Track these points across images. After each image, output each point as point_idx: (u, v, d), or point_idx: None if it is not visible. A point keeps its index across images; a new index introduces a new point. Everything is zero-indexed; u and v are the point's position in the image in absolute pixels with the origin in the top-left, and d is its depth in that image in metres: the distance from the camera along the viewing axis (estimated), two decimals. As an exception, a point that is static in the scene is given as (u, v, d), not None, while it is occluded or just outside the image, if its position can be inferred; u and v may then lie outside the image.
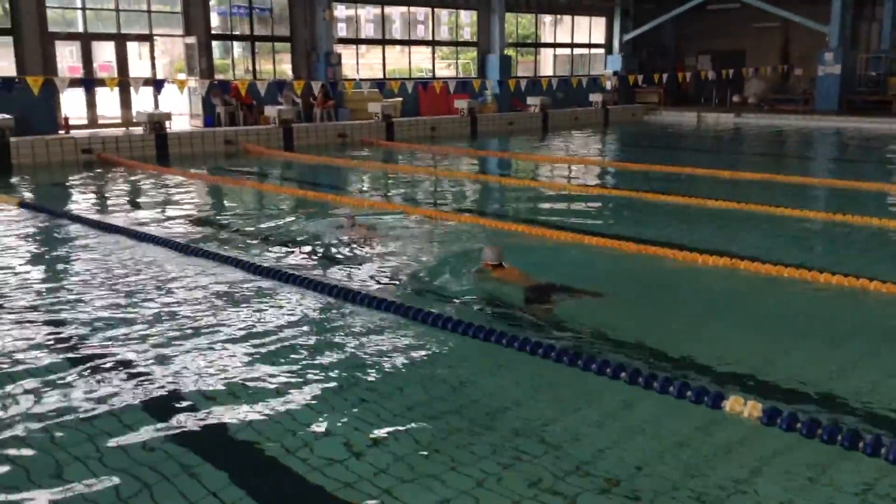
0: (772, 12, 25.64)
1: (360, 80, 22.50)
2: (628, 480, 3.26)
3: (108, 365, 4.50)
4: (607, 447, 3.56)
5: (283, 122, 17.74)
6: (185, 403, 4.00)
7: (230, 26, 21.07)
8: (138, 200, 11.15)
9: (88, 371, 4.41)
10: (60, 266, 7.12)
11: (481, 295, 5.91)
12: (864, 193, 11.03)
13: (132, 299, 5.81)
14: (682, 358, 4.62)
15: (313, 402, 4.04)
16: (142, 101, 18.94)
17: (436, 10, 25.41)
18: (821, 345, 4.99)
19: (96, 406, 3.95)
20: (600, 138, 21.42)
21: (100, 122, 18.84)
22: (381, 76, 23.72)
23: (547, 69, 29.53)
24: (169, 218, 9.45)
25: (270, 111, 18.19)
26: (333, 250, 7.51)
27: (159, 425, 3.74)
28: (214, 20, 20.57)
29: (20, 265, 7.07)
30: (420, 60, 25.80)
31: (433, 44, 25.87)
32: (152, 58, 19.71)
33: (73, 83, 17.33)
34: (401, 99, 22.10)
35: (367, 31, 24.20)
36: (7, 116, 14.48)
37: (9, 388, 4.18)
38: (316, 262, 7.04)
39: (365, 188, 12.34)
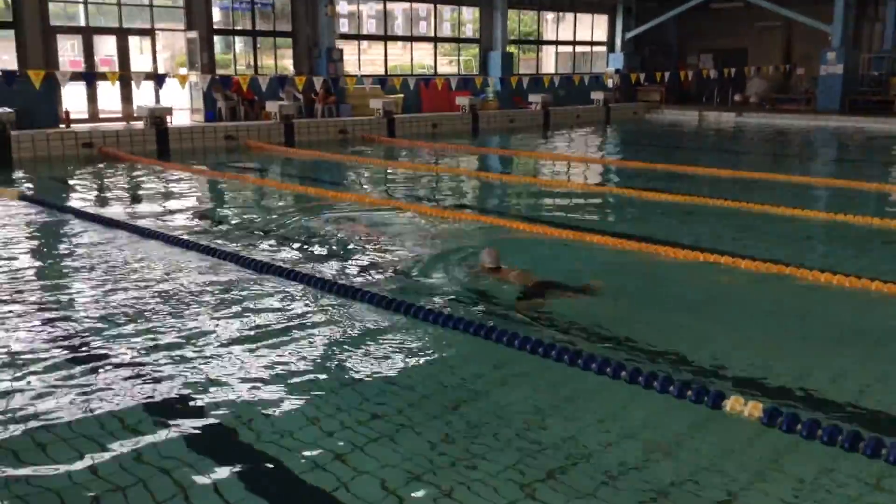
0: (774, 11, 25.61)
1: (362, 76, 22.47)
2: (627, 480, 3.26)
3: (105, 360, 4.50)
4: (606, 447, 3.55)
5: (284, 118, 17.72)
6: (182, 401, 4.00)
7: (232, 21, 21.05)
8: (138, 195, 11.14)
9: (85, 365, 4.40)
10: (59, 260, 7.12)
11: (478, 293, 5.90)
12: (865, 193, 11.02)
13: (131, 294, 5.80)
14: (680, 357, 4.61)
15: (312, 400, 4.04)
16: (143, 95, 18.92)
17: (438, 6, 25.38)
18: (821, 344, 4.99)
19: (92, 402, 3.95)
20: (601, 136, 21.41)
21: (101, 116, 18.82)
22: (382, 72, 23.70)
23: (549, 67, 29.51)
24: (169, 213, 9.44)
25: (272, 106, 18.17)
26: (331, 247, 7.50)
27: (156, 421, 3.74)
28: (216, 15, 20.55)
29: (20, 258, 7.07)
30: (422, 57, 25.78)
31: (435, 40, 25.84)
32: (154, 52, 19.69)
33: (75, 77, 17.31)
34: (402, 95, 22.08)
35: (369, 26, 24.16)
36: (8, 110, 14.47)
37: (3, 381, 4.17)
38: (313, 259, 7.03)
39: (365, 185, 12.32)
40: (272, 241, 7.74)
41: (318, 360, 4.55)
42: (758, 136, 20.90)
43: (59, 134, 15.18)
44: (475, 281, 6.19)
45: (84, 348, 4.70)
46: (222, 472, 3.30)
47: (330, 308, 5.51)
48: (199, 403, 3.95)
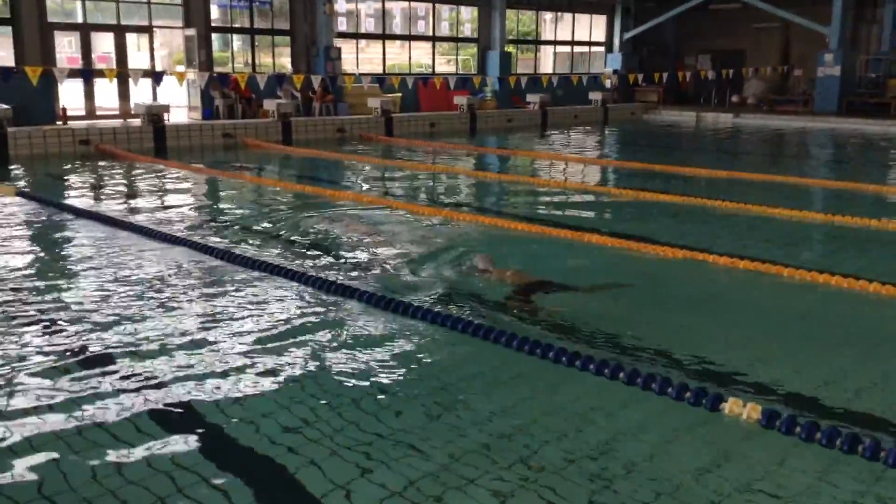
0: (772, 13, 25.63)
1: (360, 74, 22.46)
2: (626, 481, 3.25)
3: (103, 361, 4.48)
4: (605, 447, 3.54)
5: (281, 116, 17.69)
6: (179, 400, 3.98)
7: (230, 19, 21.03)
8: (135, 192, 11.11)
9: (81, 364, 4.38)
10: (55, 257, 7.09)
11: (474, 294, 5.88)
12: (862, 195, 11.03)
13: (127, 292, 5.78)
14: (678, 358, 4.60)
15: (310, 399, 4.03)
16: (140, 92, 18.89)
17: (436, 5, 25.37)
18: (821, 345, 4.98)
19: (89, 402, 3.93)
20: (599, 136, 21.41)
21: (98, 113, 18.79)
22: (380, 71, 23.68)
23: (547, 67, 29.52)
24: (165, 210, 9.42)
25: (269, 105, 18.14)
26: (328, 245, 7.49)
27: (155, 423, 3.73)
28: (214, 12, 20.54)
29: (16, 255, 7.04)
30: (420, 56, 25.77)
31: (433, 39, 25.83)
32: (151, 49, 19.65)
33: (72, 74, 17.28)
34: (400, 94, 22.06)
35: (367, 25, 24.15)
36: (5, 106, 14.43)
37: None
38: (310, 257, 7.01)
39: (363, 183, 12.31)
40: (269, 240, 7.72)
41: (318, 362, 4.53)
42: (755, 138, 20.92)
43: (55, 131, 15.14)
44: (470, 281, 6.19)
45: (79, 346, 4.67)
46: (218, 473, 3.29)
47: (328, 308, 5.49)
48: (195, 401, 3.94)
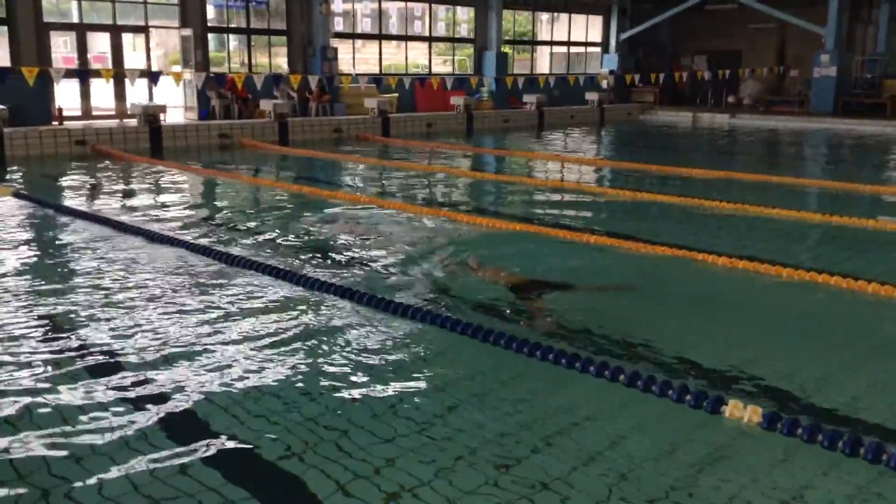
0: (768, 13, 25.68)
1: (357, 74, 22.44)
2: (626, 482, 3.24)
3: (99, 362, 4.46)
4: (605, 449, 3.53)
5: (278, 117, 17.67)
6: (179, 400, 3.97)
7: (226, 19, 20.99)
8: (131, 193, 11.08)
9: (79, 364, 4.36)
10: (52, 258, 7.05)
11: (470, 294, 5.87)
12: (859, 195, 11.05)
13: (123, 293, 5.76)
14: (678, 358, 4.59)
15: (308, 395, 4.02)
16: (136, 93, 18.85)
17: (433, 5, 25.36)
18: (820, 346, 4.98)
19: (86, 404, 3.91)
20: (595, 137, 21.42)
21: (94, 113, 18.74)
22: (377, 71, 23.66)
23: (543, 67, 29.53)
24: (162, 211, 9.38)
25: (266, 105, 18.11)
26: (323, 245, 7.47)
27: (156, 422, 3.71)
28: (210, 12, 20.48)
29: (12, 256, 7.01)
30: (416, 56, 25.75)
31: (430, 40, 25.82)
32: (147, 49, 19.60)
33: (68, 74, 17.23)
34: (397, 94, 22.05)
35: (364, 25, 24.13)
36: (1, 107, 14.39)
37: None
38: (305, 258, 6.99)
39: (359, 184, 12.29)
40: (266, 241, 7.69)
41: (315, 363, 4.52)
42: (752, 138, 20.95)
43: (52, 131, 15.10)
44: (463, 281, 6.18)
45: (75, 347, 4.65)
46: (213, 473, 3.27)
47: (325, 309, 5.47)
48: (193, 400, 3.92)
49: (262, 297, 5.70)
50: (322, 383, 4.22)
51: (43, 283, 6.09)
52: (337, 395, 4.08)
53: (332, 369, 4.41)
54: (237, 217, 9.18)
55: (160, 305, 5.48)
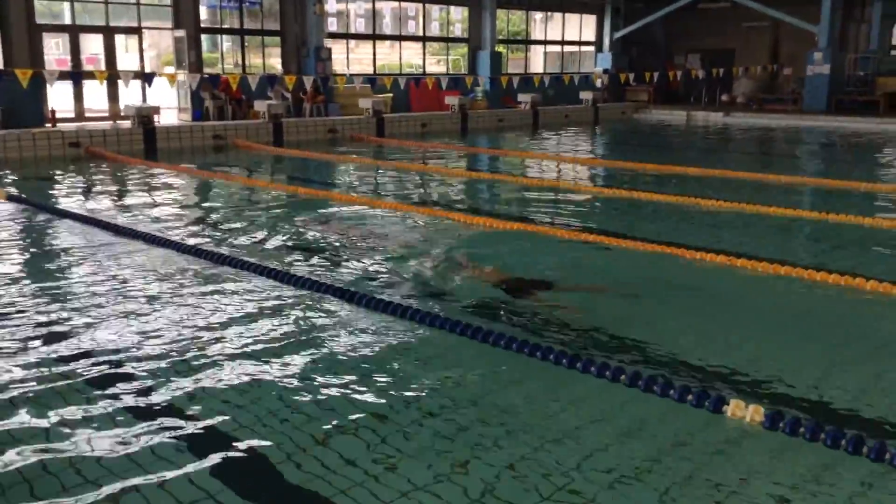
0: (762, 12, 25.73)
1: (351, 75, 22.41)
2: (628, 482, 3.23)
3: (98, 364, 4.43)
4: (606, 449, 3.52)
5: (272, 117, 17.63)
6: (174, 400, 3.94)
7: (220, 19, 20.93)
8: (125, 195, 11.03)
9: (74, 369, 4.33)
10: (45, 260, 7.01)
11: (466, 294, 5.86)
12: (853, 193, 11.06)
13: (118, 295, 5.72)
14: (673, 359, 4.58)
15: (306, 395, 3.99)
16: (130, 94, 18.77)
17: (426, 5, 25.33)
18: (820, 346, 4.98)
19: (79, 405, 3.88)
20: (590, 136, 21.43)
21: (87, 115, 18.66)
22: (371, 71, 23.63)
23: (537, 66, 29.54)
24: (155, 212, 9.34)
25: (260, 106, 18.07)
26: (319, 246, 7.44)
27: (155, 424, 3.69)
28: (203, 13, 20.42)
29: (5, 259, 6.96)
30: (410, 56, 25.72)
31: (424, 39, 25.79)
32: (140, 51, 19.53)
33: (61, 76, 17.15)
34: (391, 95, 22.02)
35: (358, 25, 24.09)
36: (-6, 109, 14.35)
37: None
38: (301, 258, 6.96)
39: (354, 184, 12.26)
40: (261, 242, 7.66)
41: (316, 365, 4.50)
42: (746, 136, 20.98)
43: (45, 133, 15.03)
44: (461, 281, 6.16)
45: (70, 351, 4.62)
46: (212, 478, 3.25)
47: (322, 309, 5.45)
48: (192, 400, 3.90)
49: (258, 299, 5.67)
50: (321, 385, 4.19)
51: (36, 286, 6.05)
52: (335, 397, 4.05)
53: (331, 370, 4.39)
54: (231, 218, 9.14)
55: (156, 308, 5.45)
